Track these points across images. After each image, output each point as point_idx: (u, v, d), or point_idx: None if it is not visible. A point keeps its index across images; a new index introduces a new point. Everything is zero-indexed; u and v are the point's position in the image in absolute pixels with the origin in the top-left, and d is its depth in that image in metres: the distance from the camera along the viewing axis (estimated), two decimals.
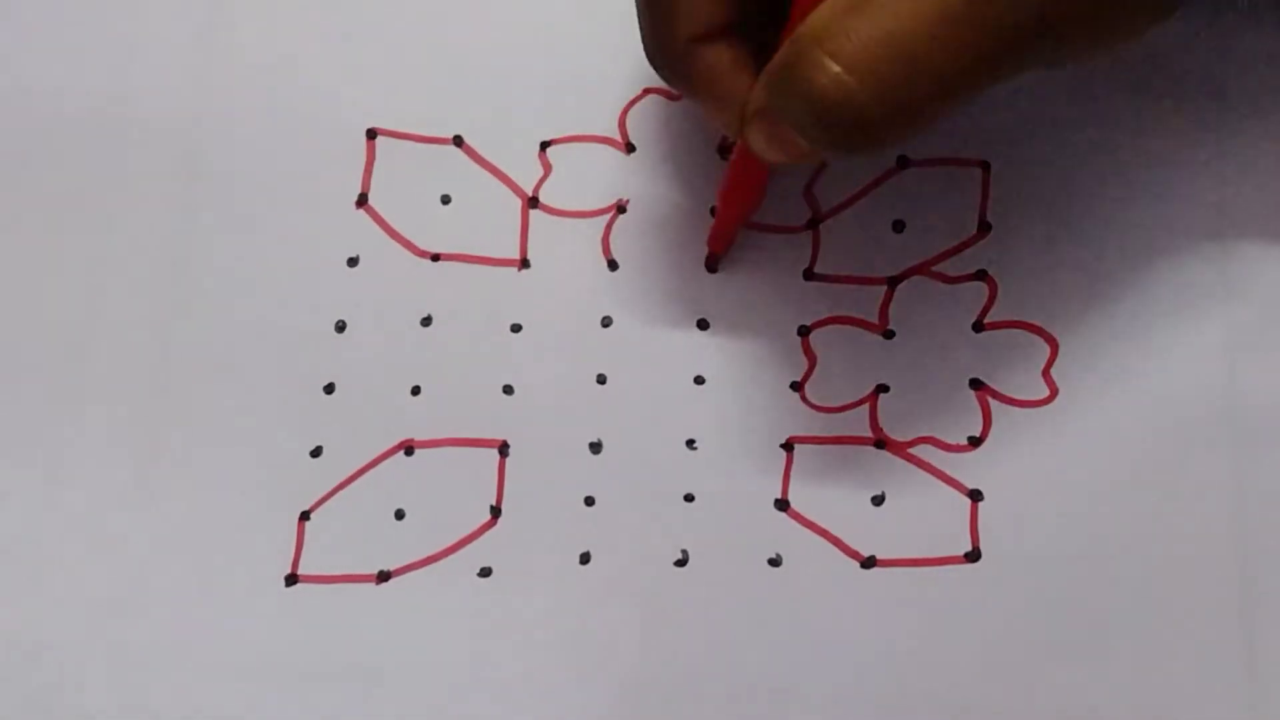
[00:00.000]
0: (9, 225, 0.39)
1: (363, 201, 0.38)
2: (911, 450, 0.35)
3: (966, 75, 0.28)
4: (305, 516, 0.36)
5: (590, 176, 0.38)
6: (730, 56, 0.32)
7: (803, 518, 0.35)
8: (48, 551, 0.36)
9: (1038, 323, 0.36)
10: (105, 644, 0.35)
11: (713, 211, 0.37)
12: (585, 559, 0.35)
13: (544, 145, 0.38)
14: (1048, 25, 0.28)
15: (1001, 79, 0.29)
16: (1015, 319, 0.36)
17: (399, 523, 0.36)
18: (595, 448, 0.36)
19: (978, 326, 0.36)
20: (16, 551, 0.36)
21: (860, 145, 0.29)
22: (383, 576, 0.35)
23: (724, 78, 0.32)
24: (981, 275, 0.36)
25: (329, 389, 0.37)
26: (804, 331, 0.37)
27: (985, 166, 0.37)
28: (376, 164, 0.38)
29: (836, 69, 0.28)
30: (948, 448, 0.35)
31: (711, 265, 0.37)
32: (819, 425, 0.36)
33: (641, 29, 0.33)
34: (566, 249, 0.37)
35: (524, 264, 0.38)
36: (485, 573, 0.35)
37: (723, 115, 0.32)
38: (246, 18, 0.40)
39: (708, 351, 0.37)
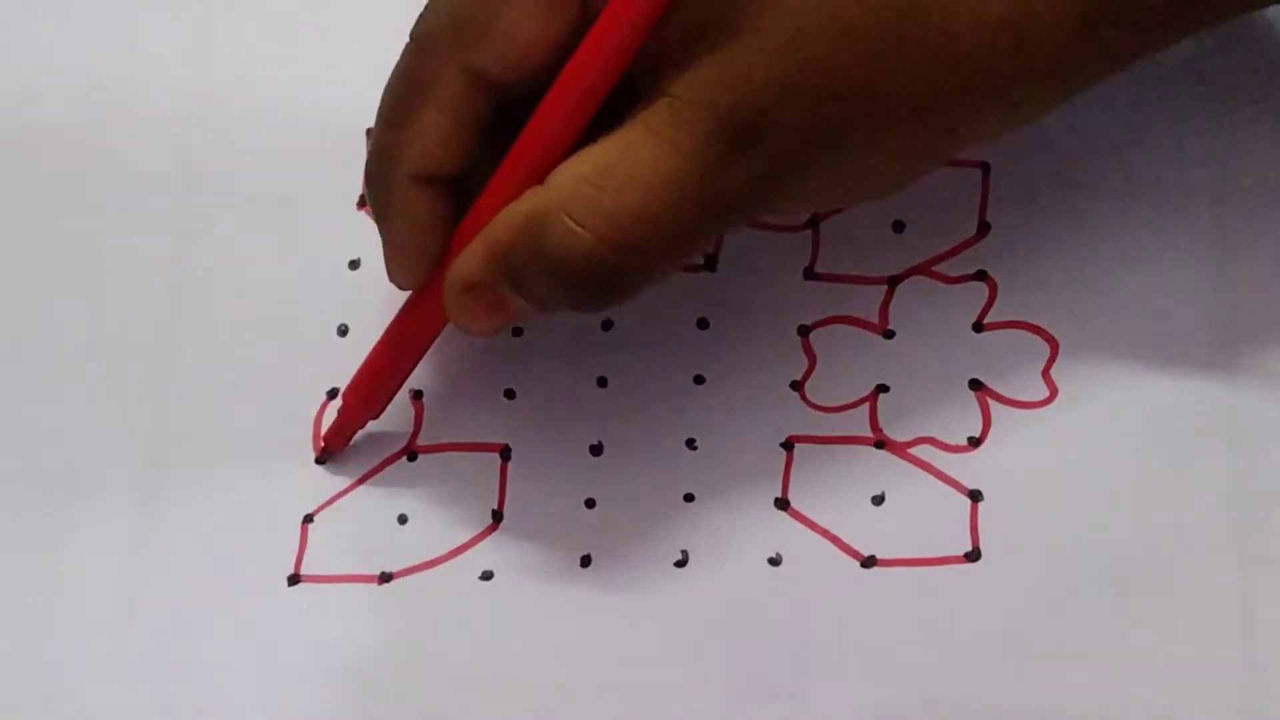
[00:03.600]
0: (9, 225, 0.39)
1: (364, 203, 0.38)
2: (911, 450, 0.36)
3: (704, 234, 0.31)
4: (309, 520, 0.36)
5: None
6: (436, 207, 0.33)
7: (803, 517, 0.35)
8: (52, 557, 0.36)
9: (1038, 323, 0.36)
10: (107, 644, 0.35)
11: (331, 394, 0.37)
12: (586, 562, 0.35)
13: None
14: (779, 184, 0.31)
15: (735, 228, 0.33)
16: (1015, 319, 0.36)
17: (401, 527, 0.36)
18: (596, 450, 0.36)
19: (978, 327, 0.36)
20: (19, 554, 0.36)
21: (610, 303, 0.31)
22: (385, 578, 0.36)
23: (423, 225, 0.33)
24: (981, 275, 0.36)
25: (332, 394, 0.37)
26: (804, 331, 0.37)
27: (985, 167, 0.37)
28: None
29: (589, 236, 0.30)
30: (947, 448, 0.35)
31: (322, 459, 0.37)
32: (819, 425, 0.36)
33: (369, 150, 0.33)
34: None
35: None
36: (487, 576, 0.35)
37: (406, 263, 0.33)
38: (246, 17, 0.40)
39: (708, 351, 0.37)
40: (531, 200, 0.31)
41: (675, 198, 0.30)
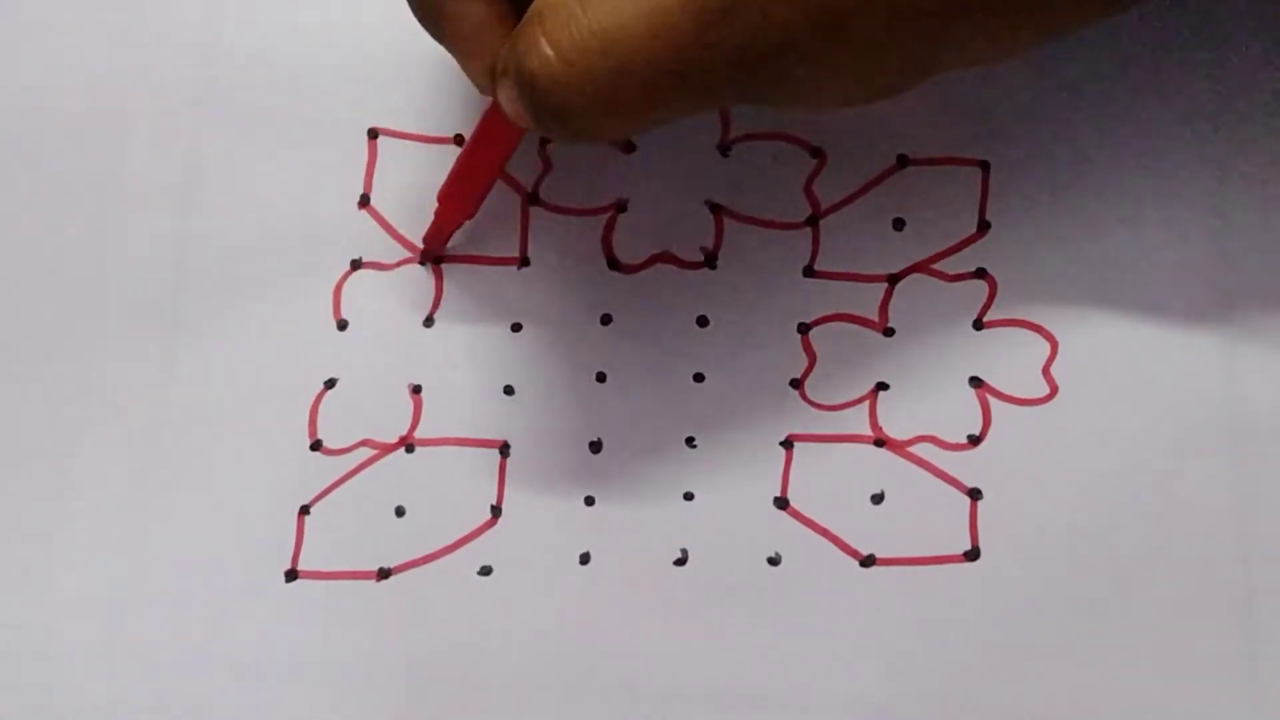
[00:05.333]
0: (9, 225, 0.39)
1: (365, 202, 0.38)
2: (911, 448, 0.36)
3: (679, 93, 0.29)
4: (305, 511, 0.36)
5: (591, 174, 0.38)
6: (484, 10, 0.32)
7: (802, 516, 0.35)
8: (49, 548, 0.36)
9: (1037, 321, 0.36)
10: (105, 639, 0.35)
11: (329, 384, 0.37)
12: (585, 559, 0.35)
13: (544, 142, 0.38)
14: (765, 65, 0.29)
15: (715, 106, 0.30)
16: (1015, 317, 0.36)
17: (399, 520, 0.36)
18: (595, 447, 0.36)
19: (977, 325, 0.36)
20: (17, 548, 0.36)
21: (561, 133, 0.29)
22: (383, 574, 0.35)
23: (475, 30, 0.32)
24: (981, 273, 0.36)
25: (330, 384, 0.37)
26: (804, 329, 0.37)
27: (985, 166, 0.37)
28: (378, 164, 0.38)
29: (549, 53, 0.29)
30: (947, 446, 0.35)
31: (424, 260, 0.37)
32: (818, 423, 0.36)
33: None
34: (566, 247, 0.38)
35: (524, 262, 0.38)
36: (485, 571, 0.35)
37: (471, 68, 0.32)
38: (246, 17, 0.40)
39: (707, 349, 0.37)
40: (535, 3, 0.30)
41: (654, 36, 0.28)
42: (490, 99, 0.33)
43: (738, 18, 0.28)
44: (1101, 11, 0.31)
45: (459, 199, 0.37)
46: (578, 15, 0.28)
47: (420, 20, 0.33)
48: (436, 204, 0.37)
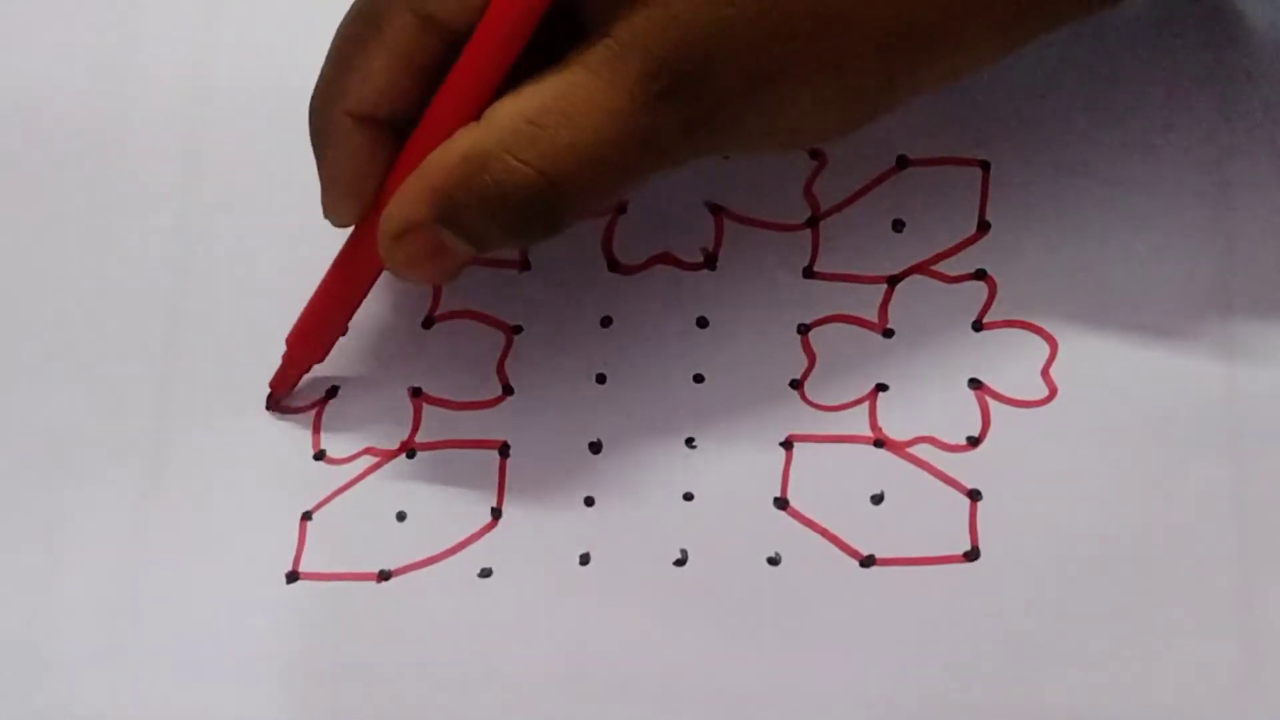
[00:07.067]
0: (9, 225, 0.39)
1: None
2: (910, 449, 0.35)
3: (641, 170, 0.32)
4: (307, 517, 0.36)
5: None
6: (375, 147, 0.33)
7: (802, 516, 0.35)
8: (49, 550, 0.36)
9: (1037, 322, 0.36)
10: (106, 641, 0.35)
11: (330, 392, 0.37)
12: (585, 559, 0.35)
13: None
14: (718, 124, 0.31)
15: (680, 166, 0.32)
16: (1014, 318, 0.36)
17: (400, 524, 0.36)
18: (595, 447, 0.36)
19: (977, 326, 0.36)
20: (17, 549, 0.36)
21: (549, 234, 0.32)
22: (383, 575, 0.36)
23: (361, 165, 0.33)
24: (981, 275, 0.36)
25: (331, 392, 0.37)
26: (803, 330, 0.37)
27: (985, 166, 0.37)
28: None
29: (532, 173, 0.31)
30: (947, 447, 0.35)
31: (270, 406, 0.37)
32: (818, 424, 0.36)
33: (316, 84, 0.34)
34: (567, 249, 0.38)
35: (524, 265, 0.38)
36: (486, 573, 0.35)
37: (341, 201, 0.34)
38: (246, 17, 0.40)
39: (707, 349, 0.37)
40: (469, 138, 0.31)
41: (613, 135, 0.30)
42: (344, 242, 0.35)
43: (681, 95, 0.30)
44: (1056, 23, 0.32)
45: (311, 341, 0.36)
46: (541, 136, 0.31)
47: (313, 141, 0.34)
48: (286, 346, 0.37)
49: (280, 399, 0.37)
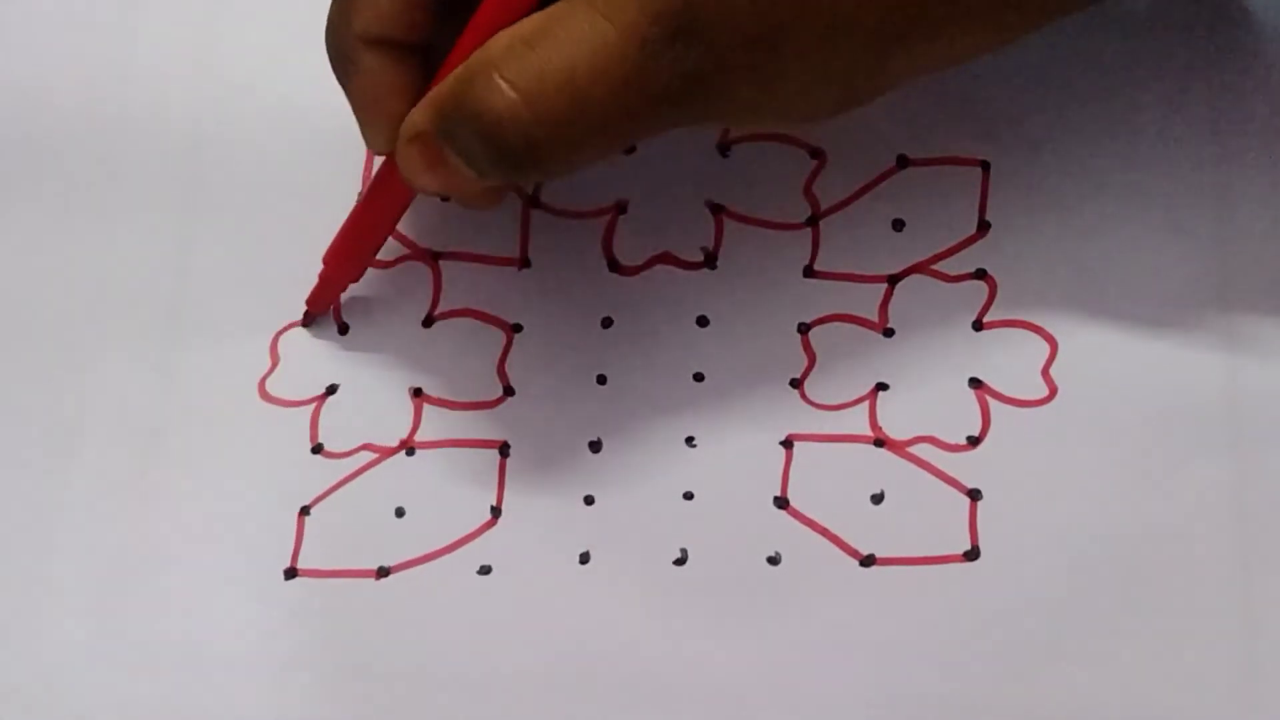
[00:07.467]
0: (9, 225, 0.39)
1: None
2: (910, 449, 0.35)
3: (630, 120, 0.30)
4: (305, 512, 0.36)
5: (591, 176, 0.38)
6: (394, 71, 0.33)
7: (802, 516, 0.35)
8: (48, 546, 0.36)
9: (1037, 322, 0.36)
10: (102, 636, 0.35)
11: (330, 389, 0.37)
12: (585, 558, 0.35)
13: None
14: (711, 85, 0.30)
15: (663, 129, 0.31)
16: (1015, 318, 0.36)
17: (399, 521, 0.36)
18: (595, 446, 0.36)
19: (977, 325, 0.36)
20: (16, 547, 0.36)
21: (523, 170, 0.31)
22: (382, 572, 0.36)
23: (382, 89, 0.33)
24: (981, 274, 0.36)
25: (331, 389, 0.37)
26: (803, 329, 0.37)
27: (985, 166, 0.37)
28: (376, 165, 0.38)
29: (512, 94, 0.30)
30: (947, 447, 0.35)
31: (306, 323, 0.38)
32: (818, 423, 0.36)
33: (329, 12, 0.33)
34: (567, 248, 0.38)
35: (524, 263, 0.38)
36: (485, 571, 0.35)
37: (371, 126, 0.34)
38: (247, 17, 0.40)
39: (707, 348, 0.37)
40: (478, 51, 0.31)
41: (603, 69, 0.29)
42: (382, 160, 0.34)
43: (679, 44, 0.29)
44: (1057, 11, 0.32)
45: (346, 260, 0.37)
46: (534, 58, 0.30)
47: (333, 69, 0.34)
48: (322, 265, 0.37)
49: (316, 317, 0.38)
